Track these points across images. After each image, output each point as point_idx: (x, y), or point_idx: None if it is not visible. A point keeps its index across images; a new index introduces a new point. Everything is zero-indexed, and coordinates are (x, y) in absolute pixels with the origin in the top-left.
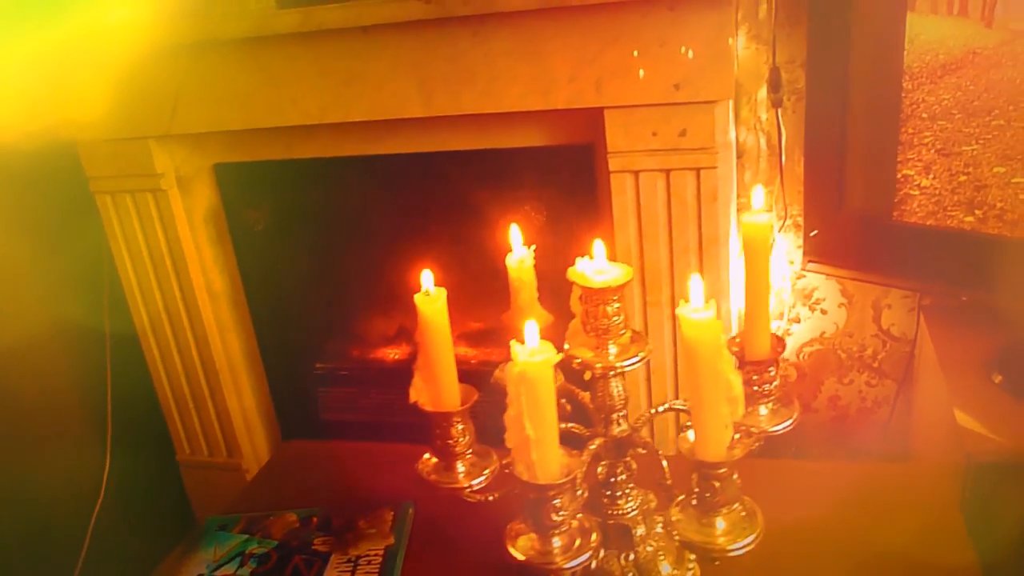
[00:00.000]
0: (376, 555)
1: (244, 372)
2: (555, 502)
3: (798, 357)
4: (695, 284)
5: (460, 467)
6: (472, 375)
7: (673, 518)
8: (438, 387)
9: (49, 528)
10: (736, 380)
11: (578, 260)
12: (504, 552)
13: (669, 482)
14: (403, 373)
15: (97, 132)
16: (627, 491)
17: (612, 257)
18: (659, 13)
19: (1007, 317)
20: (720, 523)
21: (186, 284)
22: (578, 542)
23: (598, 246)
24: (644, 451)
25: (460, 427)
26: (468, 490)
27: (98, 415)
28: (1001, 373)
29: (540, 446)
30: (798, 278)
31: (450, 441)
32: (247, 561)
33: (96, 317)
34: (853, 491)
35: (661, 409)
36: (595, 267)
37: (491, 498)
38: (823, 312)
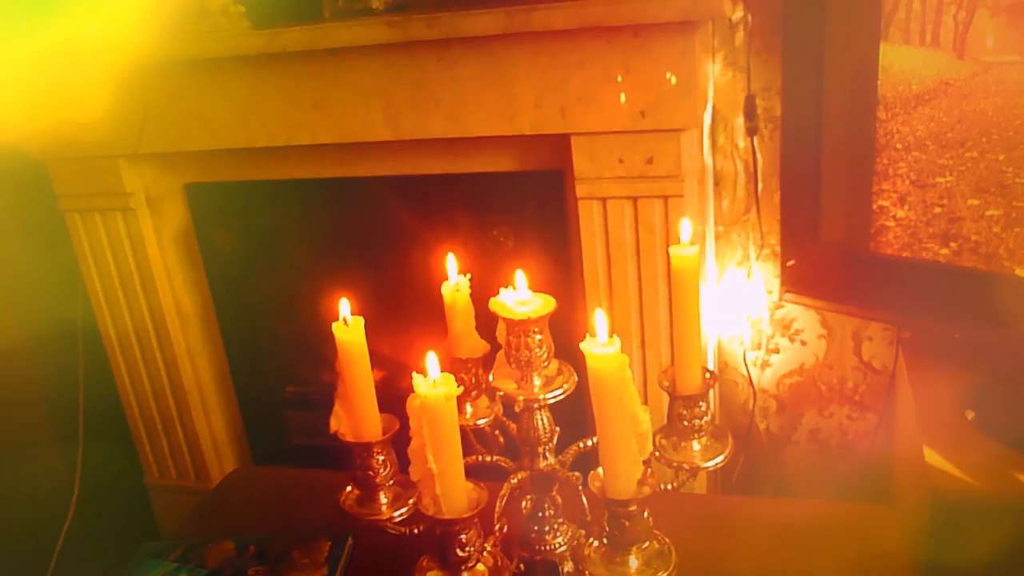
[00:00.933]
0: None
1: (214, 394)
2: (461, 536)
3: (777, 388)
4: (599, 319)
5: (383, 498)
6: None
7: (585, 554)
8: (358, 417)
9: (13, 548)
10: (644, 415)
11: (501, 290)
12: None
13: (588, 518)
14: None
15: (66, 150)
16: (555, 526)
17: (580, 283)
18: (624, 40)
19: (983, 352)
20: (632, 561)
21: (155, 304)
22: None
23: (519, 276)
24: (566, 486)
25: (381, 458)
26: (389, 522)
27: (69, 431)
28: (974, 409)
29: (444, 479)
30: (776, 308)
31: (370, 472)
32: None
33: (71, 330)
34: (800, 530)
35: (590, 443)
36: (517, 298)
37: (417, 531)
38: (803, 343)
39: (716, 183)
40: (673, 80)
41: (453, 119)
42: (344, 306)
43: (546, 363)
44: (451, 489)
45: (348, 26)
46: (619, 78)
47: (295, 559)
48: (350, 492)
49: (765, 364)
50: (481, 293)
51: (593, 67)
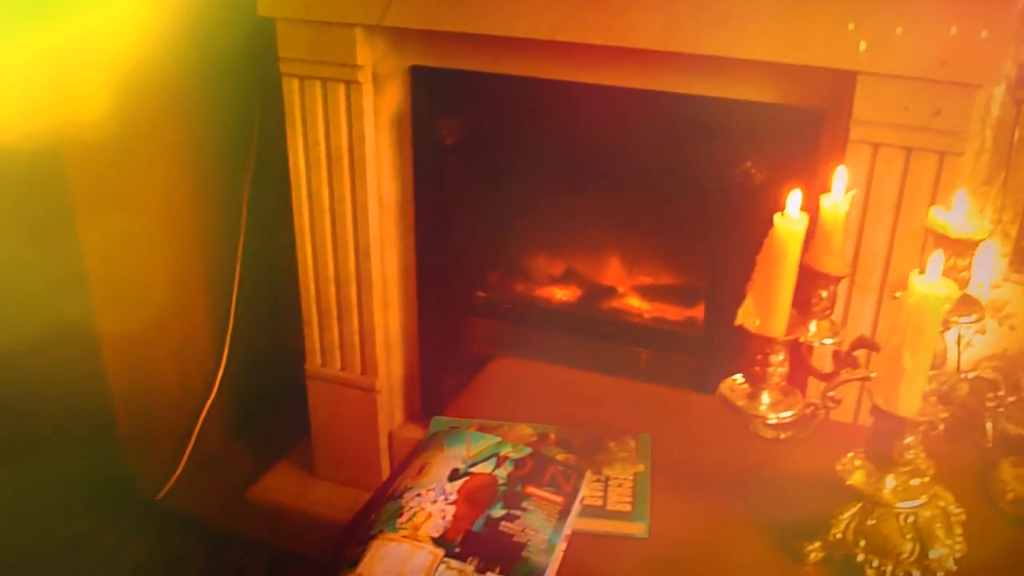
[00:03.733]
0: (626, 480)
1: (396, 289)
2: (907, 440)
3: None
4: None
5: (766, 397)
6: (643, 331)
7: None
8: (771, 311)
9: (154, 426)
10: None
11: (934, 208)
12: (738, 502)
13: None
14: (566, 317)
15: (301, 11)
16: None
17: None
18: None
19: None
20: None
21: (359, 187)
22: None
23: (960, 197)
24: None
25: (780, 357)
26: (770, 421)
27: (221, 315)
28: None
29: (911, 380)
30: (993, 287)
31: (769, 368)
32: (502, 463)
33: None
34: None
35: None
36: (955, 218)
37: (783, 436)
38: (1011, 327)
39: None
40: (985, 35)
41: (735, 39)
42: (795, 197)
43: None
44: (913, 390)
45: None
46: (926, 22)
47: (613, 451)
48: (735, 382)
49: (968, 344)
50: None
51: (902, 5)
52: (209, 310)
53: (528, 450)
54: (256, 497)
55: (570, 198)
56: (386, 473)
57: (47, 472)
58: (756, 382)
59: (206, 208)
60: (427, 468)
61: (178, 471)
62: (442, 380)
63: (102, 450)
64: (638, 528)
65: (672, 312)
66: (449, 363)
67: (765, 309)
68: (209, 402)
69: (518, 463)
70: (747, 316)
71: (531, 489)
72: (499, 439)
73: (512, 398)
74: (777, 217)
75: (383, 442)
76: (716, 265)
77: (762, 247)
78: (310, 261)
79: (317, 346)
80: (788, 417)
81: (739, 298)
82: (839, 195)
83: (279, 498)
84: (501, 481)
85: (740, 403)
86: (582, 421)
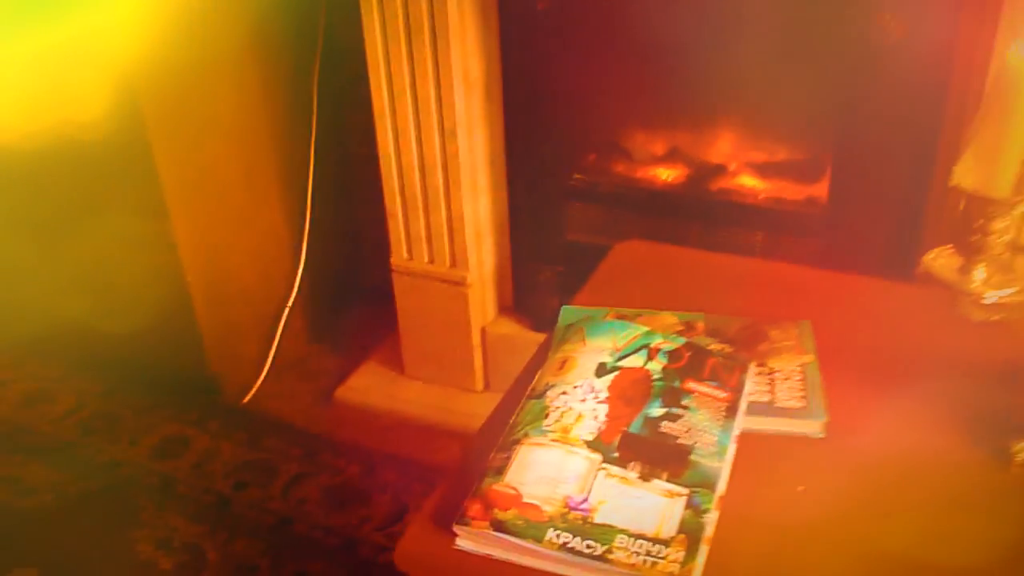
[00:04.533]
0: (794, 372)
1: (485, 174)
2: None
3: None
4: None
5: (981, 272)
6: (758, 212)
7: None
8: (997, 166)
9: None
10: None
11: None
12: (930, 396)
13: None
14: (672, 200)
15: None
16: None
17: None
18: None
19: None
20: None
21: (443, 62)
22: None
23: None
24: None
25: (1004, 223)
26: (985, 301)
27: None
28: None
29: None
30: None
31: (991, 237)
32: (655, 355)
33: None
34: None
35: None
36: None
37: (994, 319)
38: None
39: None
40: None
41: None
42: None
43: None
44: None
45: None
46: None
47: (775, 339)
48: (943, 253)
49: None
50: None
51: None
52: (285, 206)
53: (682, 340)
54: (344, 398)
55: (674, 65)
56: (479, 371)
57: (132, 378)
58: (972, 253)
59: (275, 96)
60: (569, 363)
61: (263, 374)
62: (537, 271)
63: (186, 355)
64: (814, 427)
65: (791, 190)
66: (544, 253)
67: (988, 164)
68: (291, 302)
69: (672, 355)
70: (965, 174)
71: (691, 384)
72: (647, 329)
73: (645, 284)
74: (1011, 51)
75: (475, 338)
76: (842, 136)
77: (986, 88)
78: (391, 147)
79: (403, 238)
80: (1009, 295)
81: (868, 173)
82: None
83: (368, 399)
84: (656, 376)
85: (950, 277)
86: (729, 308)
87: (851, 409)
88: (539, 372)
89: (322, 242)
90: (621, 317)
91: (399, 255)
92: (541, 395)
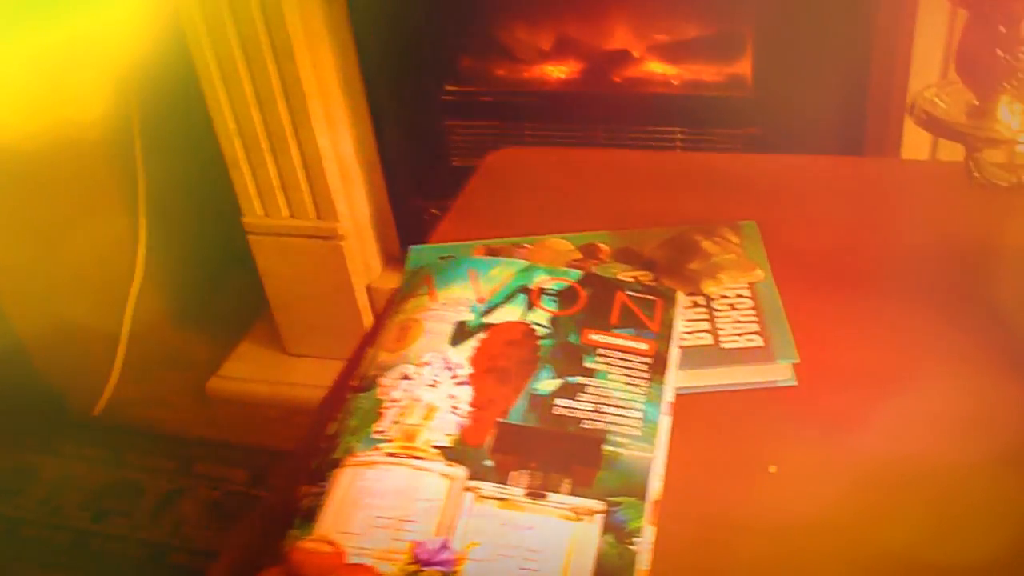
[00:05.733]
0: (742, 296)
1: (341, 102)
2: None
3: None
4: None
5: (1008, 111)
6: (674, 103)
7: None
8: None
9: (70, 328)
10: None
11: None
12: (938, 317)
13: None
14: (569, 101)
15: None
16: None
17: None
18: None
19: None
20: None
21: None
22: None
23: None
24: None
25: None
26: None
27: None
28: None
29: None
30: None
31: (1014, 54)
32: (537, 300)
33: None
34: None
35: None
36: None
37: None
38: None
39: None
40: None
41: None
42: None
43: None
44: None
45: None
46: None
47: (710, 251)
48: (947, 91)
49: None
50: None
51: None
52: (113, 168)
53: (577, 273)
54: (219, 390)
55: None
56: None
57: None
58: (992, 79)
59: None
60: (412, 329)
61: (114, 376)
62: (423, 210)
63: (8, 368)
64: (780, 372)
65: (709, 72)
66: (427, 187)
67: None
68: (134, 287)
69: (564, 296)
70: None
71: (594, 336)
72: (525, 263)
73: (528, 203)
74: None
75: (361, 299)
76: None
77: None
78: (217, 81)
79: (252, 190)
80: None
81: (798, 37)
82: None
83: (247, 388)
84: (542, 331)
85: (957, 120)
86: (643, 219)
87: (827, 341)
88: (370, 349)
89: (164, 207)
90: (492, 252)
91: (251, 211)
92: (371, 386)
